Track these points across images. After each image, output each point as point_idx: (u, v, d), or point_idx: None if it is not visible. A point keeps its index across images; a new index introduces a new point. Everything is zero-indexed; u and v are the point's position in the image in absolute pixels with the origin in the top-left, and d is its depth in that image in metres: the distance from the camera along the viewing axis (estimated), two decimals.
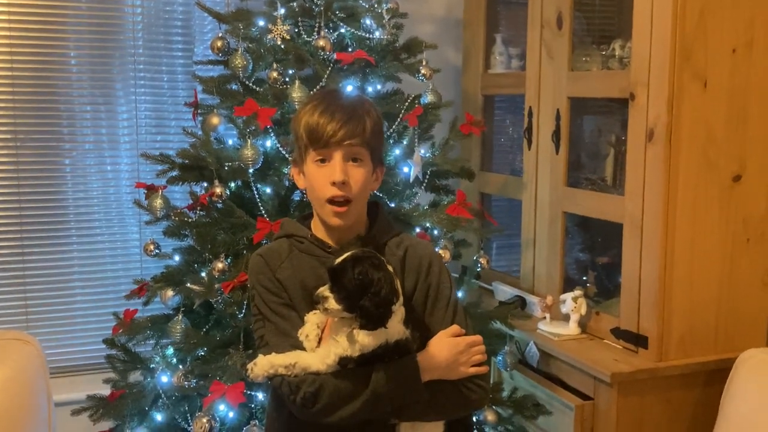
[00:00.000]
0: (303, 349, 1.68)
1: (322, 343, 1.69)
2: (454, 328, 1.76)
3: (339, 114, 1.73)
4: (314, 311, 1.71)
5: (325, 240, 1.80)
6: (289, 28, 2.47)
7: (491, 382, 2.76)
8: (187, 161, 2.45)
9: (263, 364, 1.67)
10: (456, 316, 1.80)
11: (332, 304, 1.60)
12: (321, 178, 1.74)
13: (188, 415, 2.42)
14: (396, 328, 1.65)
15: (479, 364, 1.75)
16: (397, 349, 1.66)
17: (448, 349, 1.72)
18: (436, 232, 2.55)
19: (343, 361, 1.64)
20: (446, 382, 1.71)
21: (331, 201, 1.73)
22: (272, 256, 1.80)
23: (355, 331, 1.62)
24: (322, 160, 1.74)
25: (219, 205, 2.38)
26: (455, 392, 1.73)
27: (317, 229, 1.83)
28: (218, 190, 2.35)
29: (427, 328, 1.75)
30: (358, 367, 1.65)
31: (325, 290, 1.61)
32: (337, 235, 1.79)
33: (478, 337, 1.79)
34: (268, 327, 1.75)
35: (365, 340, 1.62)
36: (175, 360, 2.41)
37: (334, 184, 1.71)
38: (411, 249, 1.82)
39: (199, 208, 2.40)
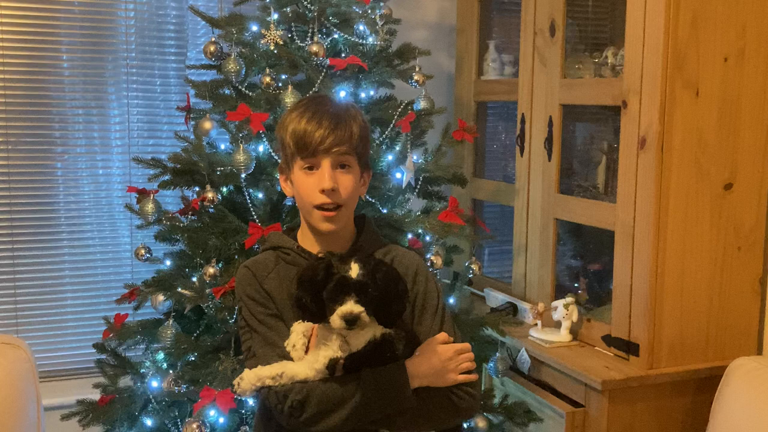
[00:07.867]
0: (290, 359, 1.67)
1: (310, 351, 1.67)
2: (443, 335, 1.75)
3: (326, 121, 1.72)
4: (299, 321, 1.70)
5: (312, 250, 1.79)
6: (282, 33, 2.47)
7: (482, 388, 2.76)
8: (179, 166, 2.44)
9: (250, 378, 1.65)
10: (444, 323, 1.79)
11: (365, 317, 1.57)
12: (309, 185, 1.73)
13: (178, 420, 2.41)
14: None
15: (469, 373, 1.74)
16: (384, 345, 1.64)
17: (436, 356, 1.71)
18: (428, 238, 2.55)
19: (332, 363, 1.63)
20: (435, 390, 1.70)
21: (320, 207, 1.73)
22: (259, 268, 1.79)
23: (346, 330, 1.61)
24: (310, 168, 1.74)
25: (211, 210, 2.38)
26: (444, 399, 1.71)
27: (304, 240, 1.82)
28: (210, 194, 2.35)
29: (415, 336, 1.74)
30: (346, 374, 1.64)
31: (353, 307, 1.56)
32: (326, 242, 1.78)
33: (467, 345, 1.78)
34: (255, 338, 1.73)
35: (356, 337, 1.62)
36: (165, 365, 2.40)
37: (323, 191, 1.71)
38: (397, 259, 1.82)
39: (190, 212, 2.40)
